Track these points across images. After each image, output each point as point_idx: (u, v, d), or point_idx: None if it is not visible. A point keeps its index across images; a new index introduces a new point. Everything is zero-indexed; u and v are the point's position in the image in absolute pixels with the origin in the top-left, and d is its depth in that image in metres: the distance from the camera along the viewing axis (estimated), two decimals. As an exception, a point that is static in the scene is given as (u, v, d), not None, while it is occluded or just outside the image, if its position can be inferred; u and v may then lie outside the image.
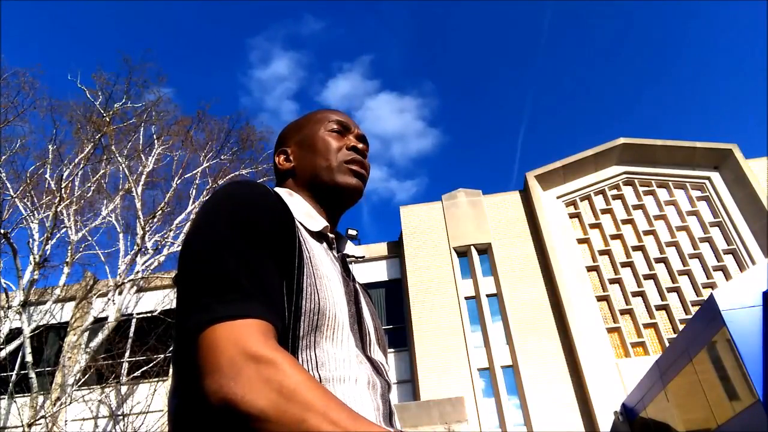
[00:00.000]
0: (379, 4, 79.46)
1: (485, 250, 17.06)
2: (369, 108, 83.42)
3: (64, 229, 14.02)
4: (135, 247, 14.00)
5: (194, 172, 15.97)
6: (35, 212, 14.01)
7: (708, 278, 15.76)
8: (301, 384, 0.59)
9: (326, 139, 1.02)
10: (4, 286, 13.42)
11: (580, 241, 17.01)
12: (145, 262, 14.24)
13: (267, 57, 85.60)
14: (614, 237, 17.07)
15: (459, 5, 71.80)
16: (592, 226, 17.36)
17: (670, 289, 15.76)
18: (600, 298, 15.78)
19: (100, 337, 12.93)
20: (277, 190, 0.97)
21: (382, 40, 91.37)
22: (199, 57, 78.37)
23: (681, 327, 14.21)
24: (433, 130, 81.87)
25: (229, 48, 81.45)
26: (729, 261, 16.06)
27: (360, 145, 1.03)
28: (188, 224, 14.62)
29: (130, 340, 15.10)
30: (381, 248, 18.28)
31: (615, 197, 17.89)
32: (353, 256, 1.01)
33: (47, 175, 14.44)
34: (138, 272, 13.93)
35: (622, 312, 15.49)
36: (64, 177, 13.58)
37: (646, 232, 16.96)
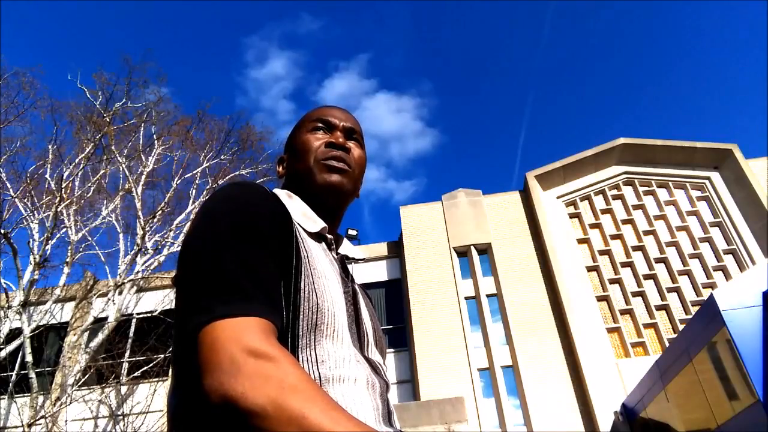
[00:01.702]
0: (377, 2, 79.47)
1: (485, 250, 17.06)
2: (366, 108, 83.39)
3: (64, 229, 14.02)
4: (135, 247, 14.00)
5: (194, 172, 15.98)
6: (35, 212, 14.02)
7: (708, 278, 15.76)
8: (301, 382, 0.60)
9: (305, 140, 1.02)
10: (4, 286, 13.44)
11: (580, 241, 17.01)
12: (145, 262, 14.24)
13: (263, 56, 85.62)
14: (614, 237, 17.07)
15: (458, 4, 71.84)
16: (592, 226, 17.36)
17: (670, 289, 15.76)
18: (600, 298, 15.78)
19: (100, 337, 12.93)
20: (276, 191, 0.98)
21: (379, 38, 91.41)
22: (194, 56, 78.35)
23: (681, 327, 14.21)
24: (431, 130, 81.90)
25: (224, 47, 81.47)
26: (729, 261, 16.07)
27: (340, 139, 1.01)
28: (187, 225, 14.60)
29: (130, 340, 15.11)
30: (381, 248, 18.29)
31: (615, 197, 17.89)
32: (353, 258, 1.01)
33: (47, 175, 14.45)
34: (138, 272, 13.93)
35: (622, 312, 15.50)
36: (64, 177, 13.59)
37: (646, 232, 16.96)
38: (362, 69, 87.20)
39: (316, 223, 0.92)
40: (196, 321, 0.66)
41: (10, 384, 13.48)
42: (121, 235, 14.74)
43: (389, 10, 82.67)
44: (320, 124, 1.03)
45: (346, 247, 1.01)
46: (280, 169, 1.08)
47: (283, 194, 0.96)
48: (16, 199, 13.80)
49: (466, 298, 16.27)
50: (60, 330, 15.64)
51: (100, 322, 13.49)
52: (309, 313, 0.76)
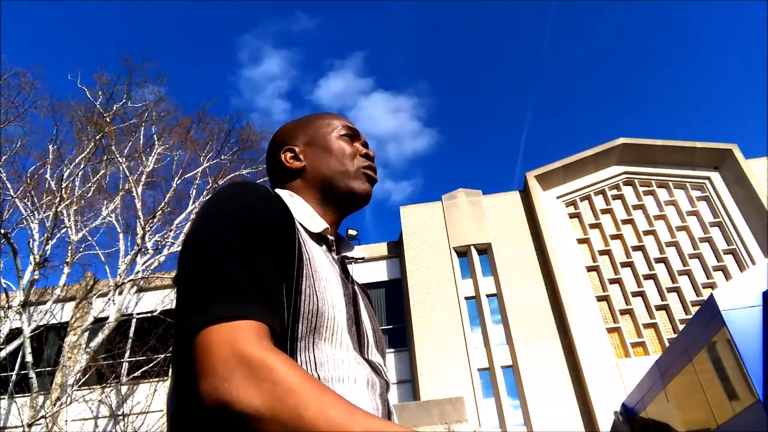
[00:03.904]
0: (374, 1, 79.38)
1: (485, 250, 17.06)
2: (363, 107, 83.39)
3: (64, 229, 14.02)
4: (135, 247, 14.00)
5: (194, 172, 15.98)
6: (35, 212, 14.02)
7: (708, 278, 15.76)
8: (296, 382, 0.59)
9: (341, 143, 1.03)
10: (4, 286, 13.44)
11: (580, 241, 17.01)
12: (145, 262, 14.24)
13: (257, 55, 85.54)
14: (614, 237, 17.07)
15: (458, 3, 71.82)
16: (592, 226, 17.36)
17: (670, 289, 15.76)
18: (600, 298, 15.78)
19: (100, 337, 12.93)
20: (278, 191, 0.97)
21: (375, 36, 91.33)
22: (187, 56, 78.13)
23: (681, 327, 14.21)
24: (429, 130, 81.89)
25: (217, 46, 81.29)
26: (729, 261, 16.06)
27: (372, 153, 1.07)
28: (188, 225, 14.63)
29: (130, 340, 15.11)
30: (381, 248, 18.29)
31: (615, 197, 17.89)
32: (353, 258, 1.01)
33: (47, 175, 14.45)
34: (138, 272, 13.93)
35: (622, 312, 15.49)
36: (64, 177, 13.59)
37: (646, 232, 16.96)
38: (358, 67, 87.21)
39: (319, 224, 0.91)
40: (191, 322, 0.65)
41: (10, 384, 13.48)
42: (121, 235, 14.75)
43: (386, 7, 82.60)
44: (348, 132, 1.06)
45: (346, 248, 1.01)
46: (290, 159, 1.02)
47: (284, 193, 0.95)
48: (17, 199, 13.80)
49: (466, 298, 16.27)
50: (60, 330, 15.64)
51: (100, 322, 13.49)
52: (309, 316, 0.76)
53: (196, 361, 0.62)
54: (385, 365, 0.94)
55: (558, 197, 17.79)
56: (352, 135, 1.06)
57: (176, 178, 15.51)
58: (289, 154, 1.03)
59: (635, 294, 15.80)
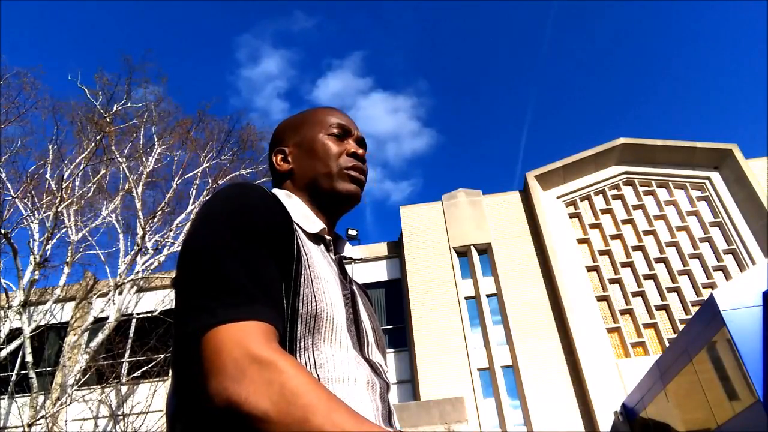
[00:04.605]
0: (373, 1, 79.31)
1: (485, 250, 17.06)
2: (361, 107, 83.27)
3: (65, 229, 14.03)
4: (135, 247, 14.00)
5: (194, 172, 15.98)
6: (36, 212, 14.02)
7: (708, 278, 15.76)
8: (304, 386, 0.60)
9: (326, 143, 1.01)
10: (5, 286, 13.44)
11: (580, 241, 17.01)
12: (145, 262, 14.24)
13: (256, 55, 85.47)
14: (614, 237, 17.07)
15: (458, 3, 71.81)
16: (592, 226, 17.36)
17: (670, 289, 15.76)
18: (600, 298, 15.78)
19: (100, 337, 12.94)
20: (275, 191, 0.97)
21: (374, 36, 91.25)
22: (185, 56, 78.01)
23: (681, 327, 14.21)
24: (428, 129, 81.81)
25: (216, 46, 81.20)
26: (729, 261, 16.06)
27: (360, 151, 1.03)
28: (187, 225, 14.64)
29: (130, 340, 15.12)
30: (381, 248, 18.28)
31: (615, 197, 17.89)
32: (351, 258, 1.01)
33: (48, 175, 14.45)
34: (138, 272, 13.93)
35: (622, 312, 15.49)
36: (64, 177, 13.59)
37: (646, 232, 16.96)
38: (357, 67, 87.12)
39: (316, 225, 0.92)
40: (198, 323, 0.65)
41: (11, 384, 13.49)
42: (121, 235, 14.75)
43: (385, 7, 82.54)
44: (338, 131, 1.03)
45: (344, 248, 1.01)
46: (280, 161, 1.03)
47: (282, 194, 0.96)
48: (17, 199, 13.81)
49: (466, 298, 16.26)
50: (60, 330, 15.65)
51: (100, 322, 13.49)
52: (308, 317, 0.76)
53: (205, 361, 0.62)
54: (385, 364, 0.94)
55: (558, 197, 17.79)
56: (342, 133, 1.03)
57: (176, 178, 15.52)
58: (279, 156, 1.03)
59: (635, 294, 15.79)
